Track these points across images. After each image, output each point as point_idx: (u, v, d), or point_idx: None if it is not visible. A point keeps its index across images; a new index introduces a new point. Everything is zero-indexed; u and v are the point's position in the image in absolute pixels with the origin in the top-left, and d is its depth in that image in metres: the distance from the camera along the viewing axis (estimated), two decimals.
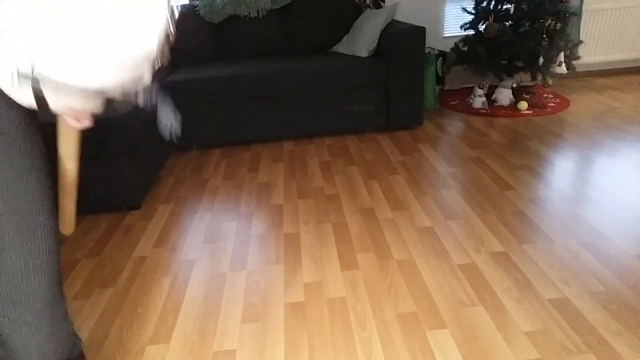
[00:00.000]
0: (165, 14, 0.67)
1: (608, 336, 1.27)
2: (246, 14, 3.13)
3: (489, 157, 2.51)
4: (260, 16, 3.15)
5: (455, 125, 3.06)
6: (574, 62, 3.25)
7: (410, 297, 1.48)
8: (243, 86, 2.76)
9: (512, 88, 3.31)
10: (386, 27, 2.94)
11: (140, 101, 0.76)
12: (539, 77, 3.10)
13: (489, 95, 3.49)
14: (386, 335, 1.33)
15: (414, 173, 2.38)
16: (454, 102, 3.50)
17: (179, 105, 2.79)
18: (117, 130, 2.03)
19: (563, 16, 3.02)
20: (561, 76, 3.93)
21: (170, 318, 1.48)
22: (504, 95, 3.30)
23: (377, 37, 2.93)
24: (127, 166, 2.12)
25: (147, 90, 0.76)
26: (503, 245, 1.72)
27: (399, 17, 3.62)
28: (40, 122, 0.81)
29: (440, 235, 1.82)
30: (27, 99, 0.65)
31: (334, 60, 2.90)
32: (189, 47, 3.14)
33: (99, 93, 0.67)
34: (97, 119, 2.07)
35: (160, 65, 2.40)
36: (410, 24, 2.82)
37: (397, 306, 1.45)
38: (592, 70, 3.99)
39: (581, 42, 3.25)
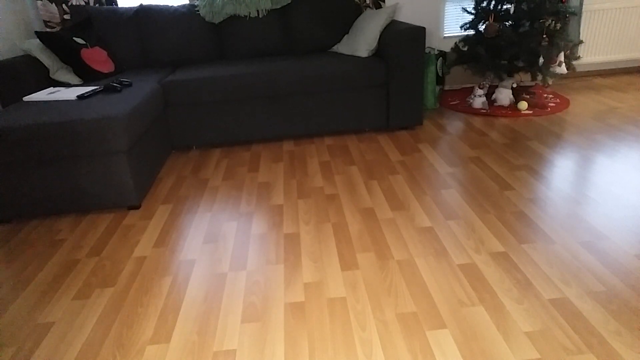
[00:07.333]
0: None
1: (608, 336, 1.27)
2: (246, 14, 3.13)
3: (489, 157, 2.51)
4: (260, 16, 3.15)
5: (455, 125, 3.06)
6: (574, 62, 3.25)
7: (410, 297, 1.48)
8: (243, 86, 2.76)
9: (512, 88, 3.31)
10: (386, 27, 2.94)
11: None
12: (539, 77, 3.10)
13: (489, 95, 3.49)
14: (386, 335, 1.33)
15: (414, 173, 2.38)
16: (454, 102, 3.50)
17: (179, 105, 2.79)
18: (117, 130, 2.03)
19: (563, 16, 3.02)
20: (561, 76, 3.94)
21: (170, 318, 1.48)
22: (504, 95, 3.30)
23: (377, 37, 2.93)
24: (127, 166, 2.12)
25: None
26: (503, 245, 1.72)
27: (399, 17, 3.63)
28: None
29: (440, 235, 1.82)
30: None
31: (334, 60, 2.90)
32: (189, 47, 3.15)
33: None
34: (97, 119, 2.06)
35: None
36: (410, 24, 2.82)
37: (397, 306, 1.45)
38: (592, 70, 3.99)
39: (581, 42, 3.25)
